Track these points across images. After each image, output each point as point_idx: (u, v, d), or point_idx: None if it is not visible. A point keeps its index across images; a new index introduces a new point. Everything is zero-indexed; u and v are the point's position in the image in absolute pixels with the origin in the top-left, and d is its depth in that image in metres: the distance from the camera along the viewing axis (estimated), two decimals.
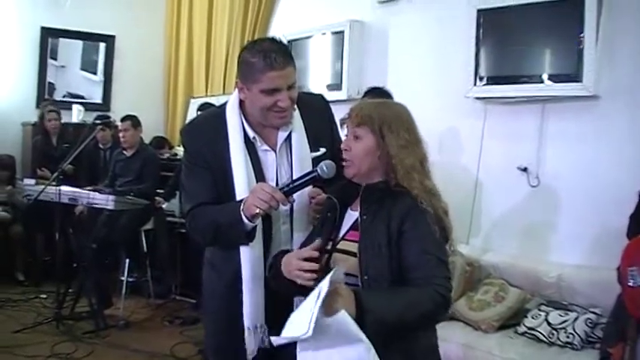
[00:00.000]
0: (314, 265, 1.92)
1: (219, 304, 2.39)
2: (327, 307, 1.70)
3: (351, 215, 2.07)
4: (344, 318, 1.67)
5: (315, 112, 2.42)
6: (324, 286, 1.70)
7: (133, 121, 6.05)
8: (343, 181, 2.11)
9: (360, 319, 1.71)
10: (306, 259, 1.94)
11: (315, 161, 2.24)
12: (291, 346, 1.78)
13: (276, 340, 1.75)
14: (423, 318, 1.83)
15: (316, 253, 1.96)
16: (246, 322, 2.26)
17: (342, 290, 1.75)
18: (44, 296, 6.03)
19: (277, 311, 1.84)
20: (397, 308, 1.78)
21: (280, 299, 2.15)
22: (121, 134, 6.09)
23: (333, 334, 1.69)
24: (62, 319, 5.22)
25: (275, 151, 2.30)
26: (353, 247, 1.98)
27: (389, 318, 1.76)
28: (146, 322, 5.63)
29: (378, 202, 1.97)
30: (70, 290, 5.45)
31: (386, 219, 1.92)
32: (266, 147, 2.30)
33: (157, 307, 5.99)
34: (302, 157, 2.29)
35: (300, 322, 1.68)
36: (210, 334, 2.54)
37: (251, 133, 2.28)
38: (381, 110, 2.01)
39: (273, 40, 2.23)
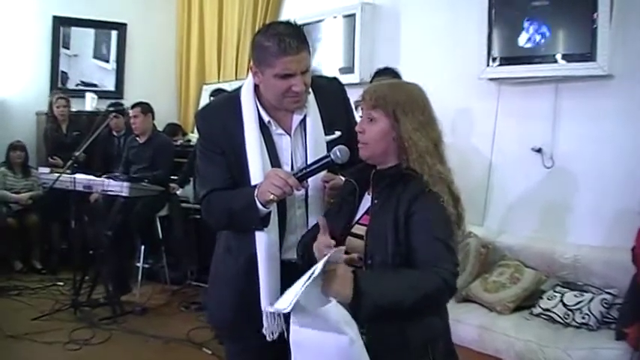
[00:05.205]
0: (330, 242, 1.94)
1: (235, 288, 2.35)
2: (325, 287, 1.73)
3: (367, 200, 2.06)
4: (333, 309, 1.70)
5: (330, 95, 2.39)
6: (318, 266, 1.71)
7: (142, 107, 6.08)
8: (360, 164, 2.10)
9: (356, 301, 1.71)
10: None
11: (330, 145, 2.22)
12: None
13: (265, 308, 1.77)
14: (423, 302, 1.78)
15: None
16: (264, 304, 2.23)
17: (339, 271, 1.75)
18: (61, 284, 6.11)
19: None
20: (396, 291, 1.75)
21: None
22: (131, 121, 6.13)
23: (321, 319, 1.71)
24: (79, 306, 5.28)
25: (290, 135, 2.28)
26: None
27: (386, 300, 1.73)
28: (162, 307, 5.67)
29: (389, 187, 1.95)
30: (86, 277, 5.50)
31: (395, 204, 1.90)
32: (281, 131, 2.27)
33: (173, 293, 6.03)
34: (317, 140, 2.27)
35: (288, 297, 1.72)
36: (224, 318, 2.44)
37: (266, 117, 2.25)
38: (394, 92, 1.99)
39: (287, 23, 2.19)
